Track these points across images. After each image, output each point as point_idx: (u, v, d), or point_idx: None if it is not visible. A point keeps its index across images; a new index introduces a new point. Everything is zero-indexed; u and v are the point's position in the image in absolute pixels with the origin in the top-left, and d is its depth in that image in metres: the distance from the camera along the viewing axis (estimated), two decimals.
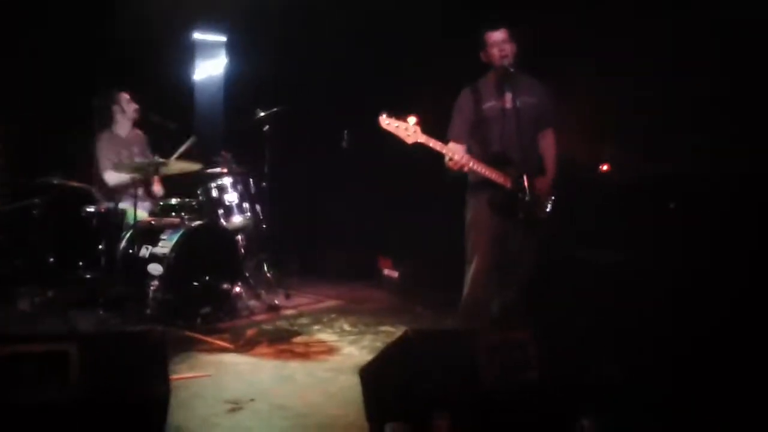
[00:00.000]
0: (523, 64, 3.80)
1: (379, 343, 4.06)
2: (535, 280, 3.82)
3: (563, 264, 4.39)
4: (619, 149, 5.05)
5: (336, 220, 6.85)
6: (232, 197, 5.14)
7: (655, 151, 4.78)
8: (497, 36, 3.77)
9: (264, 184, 5.58)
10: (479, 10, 4.96)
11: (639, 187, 4.78)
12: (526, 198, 3.68)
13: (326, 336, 4.43)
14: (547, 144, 3.98)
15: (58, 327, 4.08)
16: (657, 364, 3.16)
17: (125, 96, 5.21)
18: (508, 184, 3.69)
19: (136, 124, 5.33)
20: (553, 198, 3.87)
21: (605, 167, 5.16)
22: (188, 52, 7.69)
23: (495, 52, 3.77)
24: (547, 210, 3.84)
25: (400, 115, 3.51)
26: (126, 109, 5.19)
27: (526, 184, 3.67)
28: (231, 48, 7.78)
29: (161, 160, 4.76)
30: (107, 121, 5.22)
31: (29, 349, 2.05)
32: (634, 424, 2.60)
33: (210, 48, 7.82)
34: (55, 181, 4.68)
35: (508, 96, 3.80)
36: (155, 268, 4.38)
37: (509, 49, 3.77)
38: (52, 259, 4.64)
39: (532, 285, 3.81)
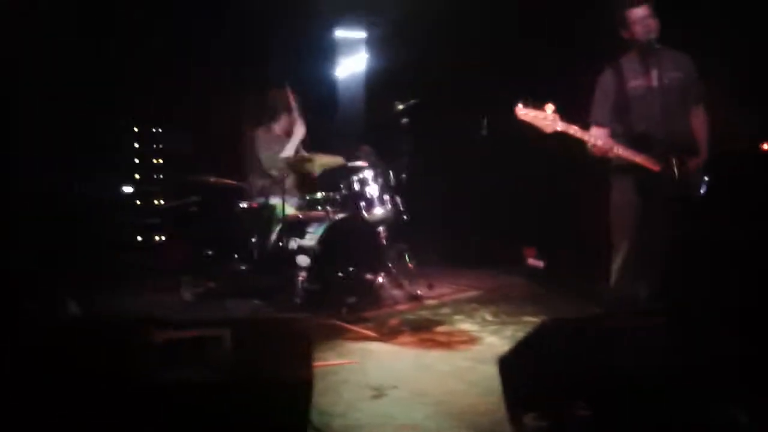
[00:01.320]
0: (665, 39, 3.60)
1: (521, 333, 3.98)
2: (684, 263, 3.59)
3: (716, 246, 4.08)
4: None
5: (477, 209, 6.82)
6: (373, 190, 5.26)
7: None
8: (640, 12, 3.58)
9: (404, 175, 5.66)
10: None
11: None
12: (675, 180, 3.47)
13: (468, 326, 4.43)
14: (699, 122, 3.74)
15: (214, 314, 4.41)
16: None
17: (285, 95, 5.36)
18: (656, 167, 3.50)
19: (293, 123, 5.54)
20: (706, 178, 3.63)
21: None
22: (330, 50, 7.97)
23: (639, 29, 3.59)
24: (701, 191, 3.60)
25: (537, 103, 3.44)
26: (282, 110, 5.39)
27: (675, 165, 3.47)
28: (371, 43, 7.96)
29: (308, 155, 4.98)
30: (263, 119, 5.49)
31: (187, 334, 2.23)
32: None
33: (351, 45, 8.05)
34: (212, 179, 5.03)
35: (654, 73, 3.62)
36: (303, 260, 4.58)
37: (653, 24, 3.58)
38: (210, 252, 5.00)
39: (681, 268, 3.59)
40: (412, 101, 5.61)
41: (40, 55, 5.27)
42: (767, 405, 2.32)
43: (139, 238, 6.22)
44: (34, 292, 3.99)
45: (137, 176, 6.39)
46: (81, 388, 2.02)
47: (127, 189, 6.31)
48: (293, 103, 5.37)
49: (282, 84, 5.47)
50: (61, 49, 5.43)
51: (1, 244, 4.70)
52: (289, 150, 5.30)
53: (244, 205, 5.11)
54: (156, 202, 6.36)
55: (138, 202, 6.30)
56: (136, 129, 6.40)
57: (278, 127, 5.49)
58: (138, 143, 6.41)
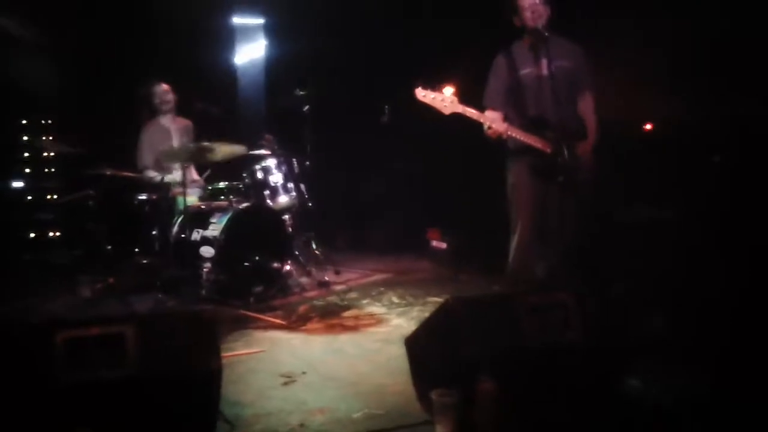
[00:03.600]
0: (556, 26, 3.76)
1: (427, 314, 4.09)
2: (578, 242, 3.80)
3: (607, 225, 4.35)
4: (662, 104, 4.93)
5: (380, 194, 6.91)
6: (276, 178, 5.24)
7: (699, 102, 4.67)
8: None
9: (307, 163, 5.67)
10: None
11: (683, 141, 4.68)
12: (566, 162, 3.66)
13: (375, 309, 4.52)
14: (586, 107, 3.93)
15: (117, 311, 4.28)
16: (704, 323, 3.13)
17: (163, 87, 5.32)
18: (548, 149, 3.67)
19: (180, 112, 5.44)
20: (594, 161, 3.83)
21: (649, 126, 5.06)
22: (228, 37, 7.81)
23: (528, 15, 3.73)
24: (589, 173, 3.81)
25: (436, 86, 3.52)
26: (163, 100, 5.31)
27: (565, 148, 3.66)
28: (270, 31, 7.86)
29: (208, 145, 4.90)
30: (151, 112, 5.36)
31: (89, 332, 2.18)
32: (680, 383, 2.60)
33: (249, 32, 7.92)
34: (108, 172, 4.85)
35: (544, 62, 3.77)
36: (207, 251, 4.52)
37: (543, 11, 3.73)
38: (109, 247, 4.83)
39: (576, 247, 3.79)
40: (312, 88, 5.61)
41: None
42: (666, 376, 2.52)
43: (32, 235, 5.92)
44: None
45: (27, 170, 6.07)
46: None
47: (17, 184, 5.98)
48: (168, 97, 5.30)
49: (158, 78, 5.37)
50: None
51: None
52: (181, 143, 5.20)
53: (143, 197, 4.96)
54: (49, 197, 6.06)
55: (29, 198, 5.98)
56: (24, 121, 6.06)
57: (166, 121, 5.36)
58: (27, 136, 6.07)
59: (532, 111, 3.76)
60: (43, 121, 6.10)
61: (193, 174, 5.42)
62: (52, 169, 6.15)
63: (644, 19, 4.70)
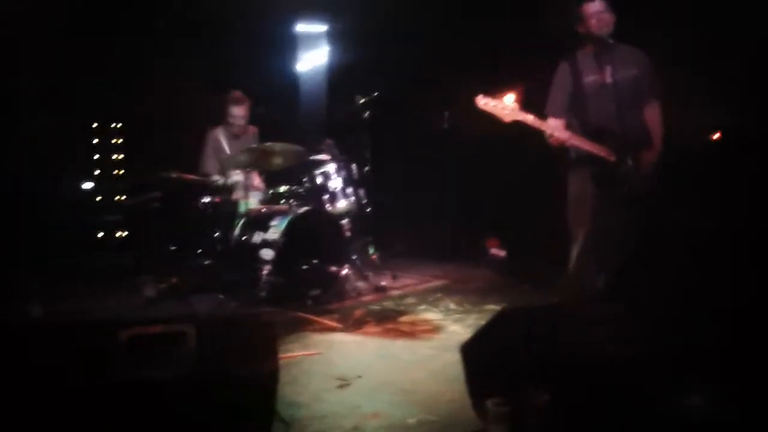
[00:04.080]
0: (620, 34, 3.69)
1: (484, 322, 4.06)
2: (639, 253, 3.70)
3: (670, 236, 4.21)
4: (729, 114, 4.76)
5: (439, 200, 6.89)
6: (335, 183, 5.30)
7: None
8: (594, 7, 3.67)
9: (366, 168, 5.70)
10: None
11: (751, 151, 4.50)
12: (630, 171, 3.58)
13: (431, 315, 4.50)
14: (652, 116, 3.84)
15: (179, 311, 4.40)
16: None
17: (235, 94, 5.43)
18: (611, 158, 3.60)
19: (248, 120, 5.56)
20: (660, 171, 3.73)
21: (717, 135, 4.89)
22: (291, 44, 7.94)
23: (593, 22, 3.68)
24: (654, 183, 3.71)
25: (497, 93, 3.50)
26: (235, 111, 5.40)
27: (629, 157, 3.58)
28: (332, 37, 7.95)
29: (270, 145, 4.99)
30: (220, 118, 5.49)
31: (151, 331, 2.25)
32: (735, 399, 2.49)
33: (312, 39, 8.02)
34: (173, 175, 4.99)
35: (608, 69, 3.71)
36: (266, 254, 4.59)
37: (608, 18, 3.67)
38: (172, 248, 4.97)
39: (637, 259, 3.70)
40: (373, 94, 5.65)
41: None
42: (722, 392, 2.43)
43: (101, 236, 6.14)
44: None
45: (97, 173, 6.30)
46: (46, 390, 2.02)
47: (87, 186, 6.21)
48: (240, 105, 5.39)
49: (231, 86, 5.48)
50: (20, 44, 5.32)
51: None
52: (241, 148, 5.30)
53: (206, 200, 5.08)
54: (117, 198, 6.28)
55: (98, 199, 6.21)
56: (95, 125, 6.30)
57: (234, 127, 5.48)
58: (97, 139, 6.31)
59: (596, 119, 3.69)
60: (113, 125, 6.33)
61: (255, 179, 5.51)
62: (121, 172, 6.37)
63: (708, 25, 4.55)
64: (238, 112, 5.38)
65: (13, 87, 5.33)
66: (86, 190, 6.24)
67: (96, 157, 6.32)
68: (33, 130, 5.58)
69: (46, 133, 5.69)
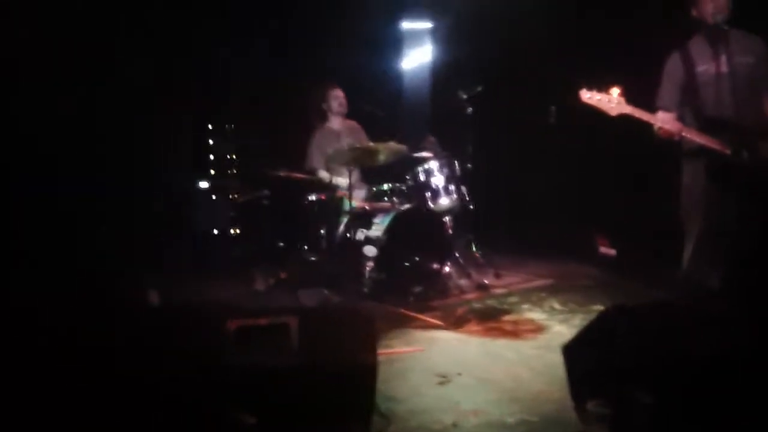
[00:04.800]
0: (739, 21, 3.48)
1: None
2: (759, 250, 3.48)
3: None
4: None
5: (544, 197, 6.74)
6: (438, 180, 5.29)
7: None
8: None
9: (469, 165, 5.67)
10: None
11: None
12: (747, 164, 3.37)
13: (535, 315, 4.42)
14: None
15: (285, 303, 4.56)
16: None
17: (333, 92, 5.57)
18: (727, 150, 3.41)
19: (348, 115, 5.68)
20: None
21: None
22: (396, 42, 8.02)
23: (709, 7, 3.49)
24: None
25: (602, 86, 3.41)
26: (333, 105, 5.56)
27: (745, 149, 3.37)
28: (437, 35, 7.95)
29: (373, 145, 5.08)
30: (321, 116, 5.63)
31: (257, 322, 2.35)
32: None
33: (417, 36, 8.06)
34: (281, 174, 5.18)
35: (723, 58, 3.51)
36: (370, 250, 4.66)
37: (724, 3, 3.46)
38: (281, 244, 5.15)
39: (756, 256, 3.47)
40: (476, 90, 5.61)
41: (124, 56, 5.53)
42: None
43: (216, 232, 6.45)
44: (120, 283, 4.23)
45: (213, 172, 6.63)
46: (164, 373, 2.17)
47: (204, 184, 6.54)
48: (338, 101, 5.51)
49: (330, 83, 5.60)
50: (141, 50, 5.67)
51: (87, 237, 4.98)
52: (350, 145, 5.41)
53: (312, 197, 5.23)
54: (230, 196, 6.58)
55: (214, 197, 6.52)
56: (210, 126, 6.62)
57: (335, 124, 5.60)
58: (212, 140, 6.64)
59: (711, 110, 3.51)
60: (227, 126, 6.63)
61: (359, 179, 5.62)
62: (234, 171, 6.67)
63: None
64: (339, 99, 5.52)
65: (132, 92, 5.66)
66: (203, 189, 6.56)
67: (211, 157, 6.63)
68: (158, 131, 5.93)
69: (167, 134, 6.04)
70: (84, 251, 4.76)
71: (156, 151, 5.99)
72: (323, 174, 5.43)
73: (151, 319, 2.48)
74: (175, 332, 2.29)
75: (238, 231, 6.51)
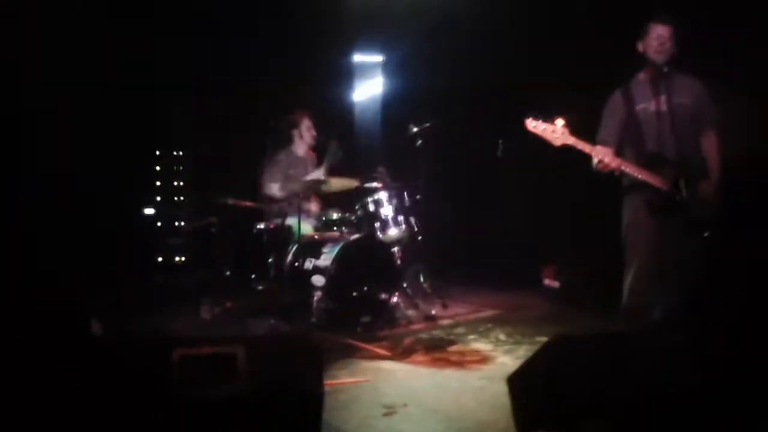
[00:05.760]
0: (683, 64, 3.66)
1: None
2: (700, 285, 3.59)
3: (732, 267, 4.08)
4: None
5: (493, 229, 6.85)
6: (388, 210, 5.34)
7: None
8: (662, 30, 3.65)
9: (419, 196, 5.74)
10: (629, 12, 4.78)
11: None
12: (685, 200, 3.51)
13: (481, 345, 4.46)
14: (709, 146, 3.75)
15: (232, 333, 4.49)
16: None
17: (306, 121, 5.61)
18: (665, 186, 3.54)
19: (312, 147, 5.71)
20: (718, 201, 3.64)
21: None
22: (348, 74, 8.10)
23: (654, 44, 3.65)
24: (712, 213, 3.61)
25: (547, 117, 3.50)
26: (305, 134, 5.59)
27: (684, 185, 3.51)
28: (388, 68, 8.08)
29: (323, 178, 5.12)
30: (285, 142, 5.64)
31: (203, 351, 2.31)
32: None
33: (368, 69, 8.17)
34: (230, 201, 5.14)
35: (662, 97, 3.65)
36: (318, 280, 4.66)
37: (669, 47, 3.64)
38: (228, 272, 5.09)
39: (697, 290, 3.59)
40: (426, 124, 5.70)
41: (62, 80, 5.42)
42: None
43: (160, 259, 6.33)
44: (60, 313, 4.09)
45: (159, 198, 6.52)
46: (101, 404, 2.10)
47: (149, 211, 6.43)
48: (311, 132, 5.54)
49: (302, 108, 5.63)
50: (83, 70, 5.57)
51: (26, 263, 4.82)
52: (307, 173, 5.43)
53: (261, 225, 5.20)
54: (176, 223, 6.48)
55: (159, 224, 6.41)
56: (158, 152, 6.53)
57: (299, 150, 5.62)
58: (159, 166, 6.55)
59: (650, 147, 3.64)
60: (175, 153, 6.55)
61: (314, 204, 5.62)
62: (181, 198, 6.58)
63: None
64: (309, 135, 5.55)
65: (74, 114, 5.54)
66: (148, 215, 6.44)
67: (158, 183, 6.53)
68: (97, 159, 5.80)
69: (110, 161, 5.91)
70: (24, 277, 4.61)
71: (99, 177, 5.85)
72: (278, 198, 5.41)
73: (93, 347, 2.41)
74: (119, 361, 2.23)
75: (183, 259, 6.42)
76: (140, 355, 2.26)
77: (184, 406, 2.13)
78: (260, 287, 5.08)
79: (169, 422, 2.09)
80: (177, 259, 6.45)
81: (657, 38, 3.64)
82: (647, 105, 3.69)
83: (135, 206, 6.43)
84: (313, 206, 5.60)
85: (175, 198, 6.61)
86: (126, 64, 5.88)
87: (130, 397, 2.09)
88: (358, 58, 8.11)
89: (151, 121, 6.30)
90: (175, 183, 6.55)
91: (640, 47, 3.74)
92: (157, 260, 6.36)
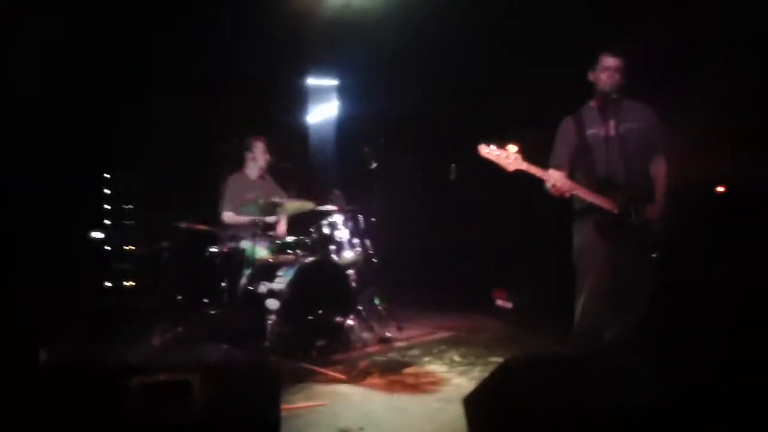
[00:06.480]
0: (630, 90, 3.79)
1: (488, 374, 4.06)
2: (651, 306, 3.69)
3: (680, 289, 4.21)
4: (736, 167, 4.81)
5: (448, 251, 6.92)
6: (342, 233, 5.34)
7: None
8: (612, 62, 3.79)
9: (373, 219, 5.76)
10: (579, 39, 4.94)
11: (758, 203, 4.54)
12: (634, 223, 3.61)
13: (436, 367, 4.48)
14: (657, 170, 3.88)
15: (185, 359, 4.39)
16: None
17: (260, 145, 5.57)
18: (615, 209, 3.64)
19: (266, 170, 5.68)
20: (666, 224, 3.75)
21: (722, 188, 4.94)
22: (302, 97, 8.12)
23: (604, 77, 3.79)
24: (660, 236, 3.72)
25: (500, 143, 3.57)
26: (258, 158, 5.55)
27: (633, 209, 3.61)
28: (343, 90, 8.13)
29: (278, 200, 5.10)
30: (238, 165, 5.60)
31: (157, 379, 2.27)
32: None
33: (323, 92, 8.21)
34: (183, 225, 5.07)
35: (612, 123, 3.78)
36: (273, 303, 4.62)
37: (618, 79, 3.77)
38: (180, 297, 5.00)
39: (648, 312, 3.68)
40: (380, 144, 5.75)
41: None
42: None
43: (109, 284, 6.18)
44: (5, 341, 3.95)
45: (108, 222, 6.39)
46: None
47: (97, 235, 6.29)
48: (265, 156, 5.52)
49: (255, 132, 5.61)
50: (29, 91, 5.45)
51: None
52: (261, 196, 5.40)
53: (214, 249, 5.14)
54: (126, 247, 6.35)
55: (108, 248, 6.27)
56: (107, 175, 6.41)
57: (252, 174, 5.59)
58: (109, 189, 6.42)
59: (600, 171, 3.75)
60: (125, 176, 6.44)
61: (281, 226, 5.59)
62: (131, 221, 6.46)
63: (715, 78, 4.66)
64: (262, 158, 5.51)
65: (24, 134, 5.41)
66: (96, 239, 6.30)
67: (107, 207, 6.40)
68: (44, 180, 5.66)
69: (57, 183, 5.78)
70: None
71: (44, 199, 5.70)
72: (235, 219, 5.36)
73: (41, 377, 2.34)
74: (68, 390, 2.17)
75: (133, 284, 6.28)
76: (93, 383, 2.21)
77: None
78: (213, 312, 5.00)
79: None
80: (126, 283, 6.30)
81: (606, 70, 3.78)
82: (597, 130, 3.80)
83: (83, 229, 6.27)
84: (281, 228, 5.56)
85: (125, 221, 6.49)
86: (75, 83, 5.76)
87: (83, 427, 2.04)
88: (312, 81, 8.14)
89: (100, 143, 6.18)
90: (125, 206, 6.44)
91: (591, 77, 3.87)
92: (105, 285, 6.20)
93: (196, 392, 2.26)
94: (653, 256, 3.66)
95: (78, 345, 4.82)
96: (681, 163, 3.95)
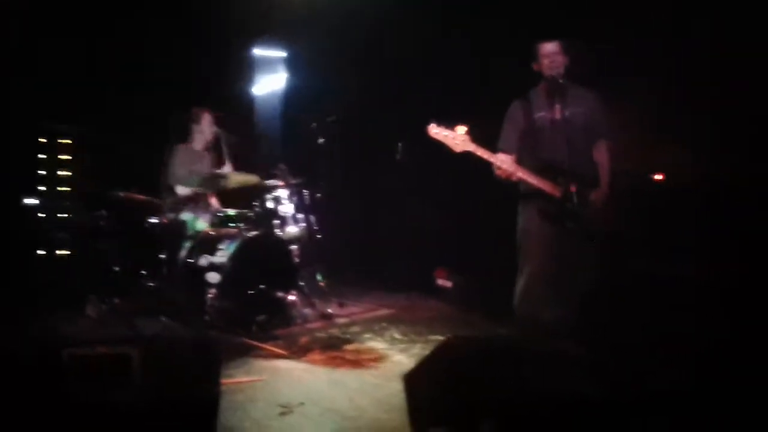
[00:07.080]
0: (577, 76, 3.85)
1: (429, 352, 4.11)
2: (592, 292, 3.78)
3: (621, 276, 4.32)
4: (676, 155, 4.95)
5: (392, 230, 6.94)
6: (287, 208, 5.29)
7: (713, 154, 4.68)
8: (549, 48, 3.86)
9: (318, 195, 5.72)
10: (534, 23, 4.98)
11: (696, 193, 4.70)
12: (576, 208, 3.69)
13: (376, 344, 4.52)
14: (601, 155, 3.98)
15: (123, 332, 4.30)
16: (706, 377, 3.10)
17: (207, 117, 5.43)
18: (557, 193, 3.71)
19: (212, 142, 5.55)
20: (609, 210, 3.85)
21: (660, 176, 5.09)
22: (249, 68, 7.95)
23: (546, 63, 3.85)
24: (603, 221, 3.81)
25: (449, 124, 3.59)
26: (205, 129, 5.41)
27: (575, 193, 3.69)
28: (290, 63, 8.00)
29: (223, 173, 5.00)
30: (184, 136, 5.45)
31: (95, 352, 2.21)
32: None
33: (270, 63, 8.05)
34: (122, 194, 4.93)
35: (557, 107, 3.84)
36: (213, 277, 4.55)
37: (560, 61, 3.83)
38: (117, 269, 4.88)
39: (590, 297, 3.77)
40: (328, 121, 5.70)
41: None
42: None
43: (42, 253, 5.96)
44: None
45: (42, 188, 6.15)
46: None
47: (31, 201, 6.05)
48: (211, 128, 5.39)
49: (202, 106, 5.47)
50: None
51: None
52: (206, 168, 5.29)
53: (154, 220, 5.01)
54: (61, 215, 6.12)
55: (42, 215, 6.04)
56: (43, 140, 6.17)
57: (198, 145, 5.46)
58: (44, 154, 6.18)
59: (545, 155, 3.81)
60: (60, 141, 6.20)
61: (213, 200, 5.48)
62: (67, 189, 6.24)
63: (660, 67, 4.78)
64: (209, 130, 5.39)
65: None
66: (30, 205, 6.06)
67: (42, 172, 6.16)
68: None
69: None
70: None
71: None
72: (182, 190, 5.23)
73: None
74: (3, 362, 2.09)
75: (68, 253, 6.07)
76: (27, 355, 2.14)
77: (77, 408, 2.03)
78: (152, 284, 4.90)
79: (60, 426, 1.98)
80: (60, 253, 6.09)
81: (546, 56, 3.85)
82: (545, 113, 3.87)
83: (14, 195, 6.03)
84: (213, 201, 5.46)
85: (60, 189, 6.26)
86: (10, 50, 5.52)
87: (17, 400, 1.97)
88: (259, 52, 7.98)
89: (35, 107, 5.93)
90: (62, 173, 6.21)
91: (535, 67, 3.93)
92: (37, 253, 5.98)
93: (135, 366, 2.21)
94: (593, 242, 3.75)
95: (7, 316, 4.66)
96: (621, 151, 4.06)
